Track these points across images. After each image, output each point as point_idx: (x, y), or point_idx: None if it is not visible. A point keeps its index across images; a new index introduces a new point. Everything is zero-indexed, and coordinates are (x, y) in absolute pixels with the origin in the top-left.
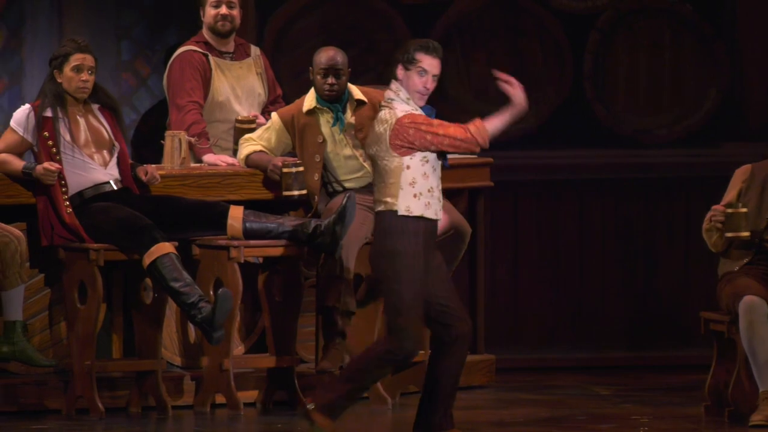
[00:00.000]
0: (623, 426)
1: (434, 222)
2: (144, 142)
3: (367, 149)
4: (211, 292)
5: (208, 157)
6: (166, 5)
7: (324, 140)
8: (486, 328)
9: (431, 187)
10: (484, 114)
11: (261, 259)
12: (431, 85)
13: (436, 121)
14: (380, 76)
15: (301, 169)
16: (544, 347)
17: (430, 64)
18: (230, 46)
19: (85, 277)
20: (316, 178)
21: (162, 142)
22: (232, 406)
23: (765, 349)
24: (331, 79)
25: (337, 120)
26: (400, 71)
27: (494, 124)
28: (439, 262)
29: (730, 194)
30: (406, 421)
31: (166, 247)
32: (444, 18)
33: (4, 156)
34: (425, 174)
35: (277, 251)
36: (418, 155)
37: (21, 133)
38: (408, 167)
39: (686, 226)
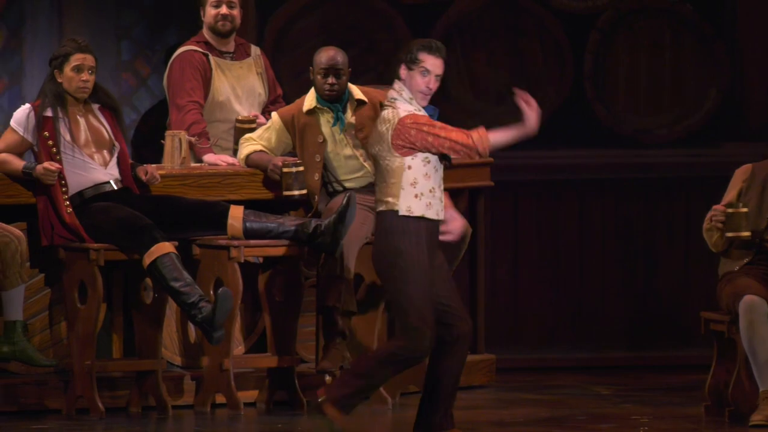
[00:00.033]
0: (623, 426)
1: (436, 222)
2: (144, 142)
3: (369, 148)
4: (212, 292)
5: (209, 157)
6: (166, 5)
7: (324, 140)
8: (486, 328)
9: (433, 188)
10: (483, 114)
11: (261, 259)
12: (434, 85)
13: (439, 124)
14: (380, 76)
15: (301, 168)
16: (544, 347)
17: (433, 64)
18: (230, 46)
19: (85, 276)
20: (316, 178)
21: (162, 141)
22: (232, 406)
23: (765, 348)
24: (331, 79)
25: (338, 120)
26: (403, 71)
27: (498, 136)
28: (440, 262)
29: (730, 194)
30: (406, 421)
31: (166, 247)
32: (444, 18)
33: (4, 156)
34: (427, 174)
35: (278, 251)
36: (420, 156)
37: (21, 133)
38: (409, 167)
39: (686, 226)
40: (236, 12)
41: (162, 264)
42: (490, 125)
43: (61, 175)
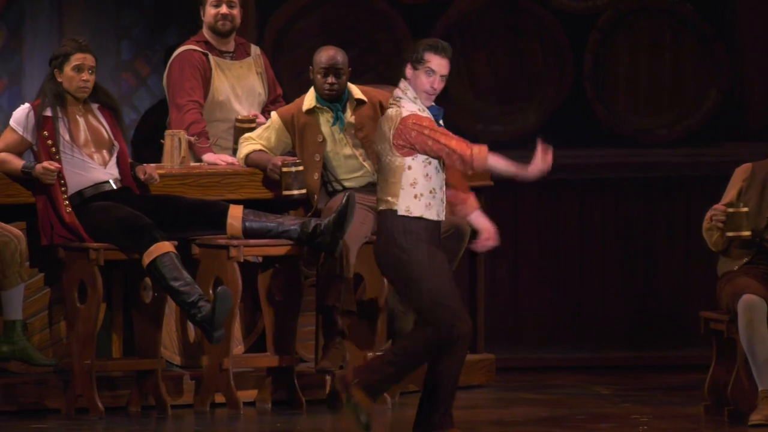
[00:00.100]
0: (623, 425)
1: (436, 223)
2: (144, 142)
3: (373, 146)
4: (211, 292)
5: (208, 157)
6: (166, 5)
7: (324, 139)
8: (486, 328)
9: (433, 189)
10: (484, 113)
11: (261, 259)
12: (439, 85)
13: (441, 129)
14: (380, 76)
15: (300, 168)
16: (544, 347)
17: (439, 64)
18: (230, 46)
19: (84, 276)
20: (315, 178)
21: (162, 141)
22: (231, 406)
23: (764, 348)
24: (331, 79)
25: (337, 119)
26: (408, 70)
27: (496, 162)
28: (441, 262)
29: (730, 193)
30: (406, 420)
31: (165, 247)
32: (444, 18)
33: (4, 155)
34: (427, 175)
35: (277, 250)
36: (421, 156)
37: (20, 133)
38: (409, 167)
39: (686, 226)
40: (236, 12)
41: (161, 263)
42: (490, 125)
43: (60, 174)
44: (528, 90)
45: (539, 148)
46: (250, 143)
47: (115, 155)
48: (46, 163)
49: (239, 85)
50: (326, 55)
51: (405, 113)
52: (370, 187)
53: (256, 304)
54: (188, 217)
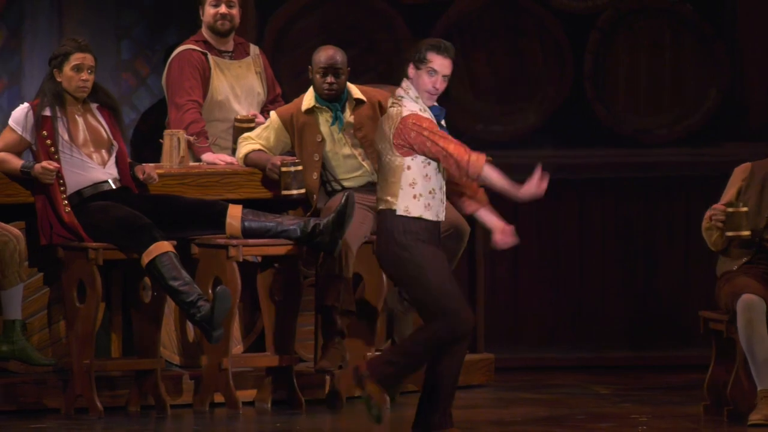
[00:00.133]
0: (622, 425)
1: (435, 223)
2: (143, 142)
3: (374, 145)
4: (210, 291)
5: (207, 156)
6: (166, 5)
7: (323, 139)
8: (486, 328)
9: (432, 189)
10: (484, 113)
11: (260, 258)
12: (440, 85)
13: (441, 132)
14: (380, 76)
15: (299, 168)
16: (543, 346)
17: (441, 64)
18: (229, 45)
19: (84, 276)
20: (314, 177)
21: (161, 141)
22: (230, 405)
23: (763, 347)
24: (330, 78)
25: (336, 119)
26: (411, 70)
27: (492, 174)
28: (441, 262)
29: (729, 192)
30: (405, 420)
31: (165, 246)
32: (444, 18)
33: (3, 155)
34: (427, 176)
35: (276, 250)
36: (420, 157)
37: (19, 132)
38: (409, 168)
39: (686, 226)
40: (235, 11)
41: (161, 263)
42: (490, 125)
43: (59, 174)
44: (528, 90)
45: (537, 173)
46: (249, 143)
47: (114, 155)
48: (45, 163)
49: (238, 84)
50: (325, 54)
51: (405, 112)
52: (369, 187)
53: (255, 303)
54: (187, 217)
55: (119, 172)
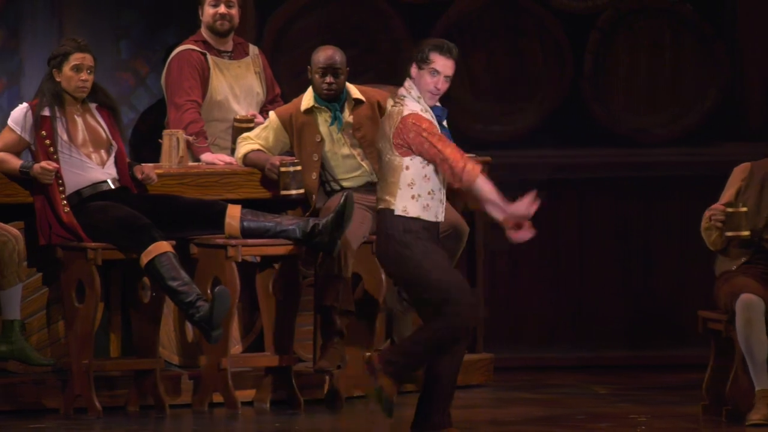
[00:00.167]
0: (621, 425)
1: (434, 224)
2: (143, 141)
3: (375, 144)
4: (209, 291)
5: (206, 156)
6: (165, 5)
7: (322, 139)
8: (485, 327)
9: (431, 190)
10: (484, 113)
11: (259, 258)
12: (442, 85)
13: (439, 135)
14: (380, 76)
15: (298, 168)
16: (542, 346)
17: (443, 64)
18: (229, 45)
19: (83, 276)
20: (314, 177)
21: (160, 141)
22: (229, 405)
23: (762, 347)
24: (329, 78)
25: (335, 119)
26: (413, 70)
27: (485, 185)
28: (443, 255)
29: (728, 192)
30: (404, 420)
31: (164, 246)
32: (444, 18)
33: (2, 155)
34: (426, 176)
35: (275, 250)
36: (419, 157)
37: (18, 132)
38: (407, 168)
39: (684, 226)
40: (234, 11)
41: (160, 263)
42: (490, 125)
43: (58, 174)
44: (528, 90)
45: (530, 195)
46: (248, 143)
47: (113, 155)
48: (44, 163)
49: (237, 84)
50: (324, 54)
51: (406, 112)
52: (369, 187)
53: (254, 303)
54: (186, 217)
55: (118, 172)
